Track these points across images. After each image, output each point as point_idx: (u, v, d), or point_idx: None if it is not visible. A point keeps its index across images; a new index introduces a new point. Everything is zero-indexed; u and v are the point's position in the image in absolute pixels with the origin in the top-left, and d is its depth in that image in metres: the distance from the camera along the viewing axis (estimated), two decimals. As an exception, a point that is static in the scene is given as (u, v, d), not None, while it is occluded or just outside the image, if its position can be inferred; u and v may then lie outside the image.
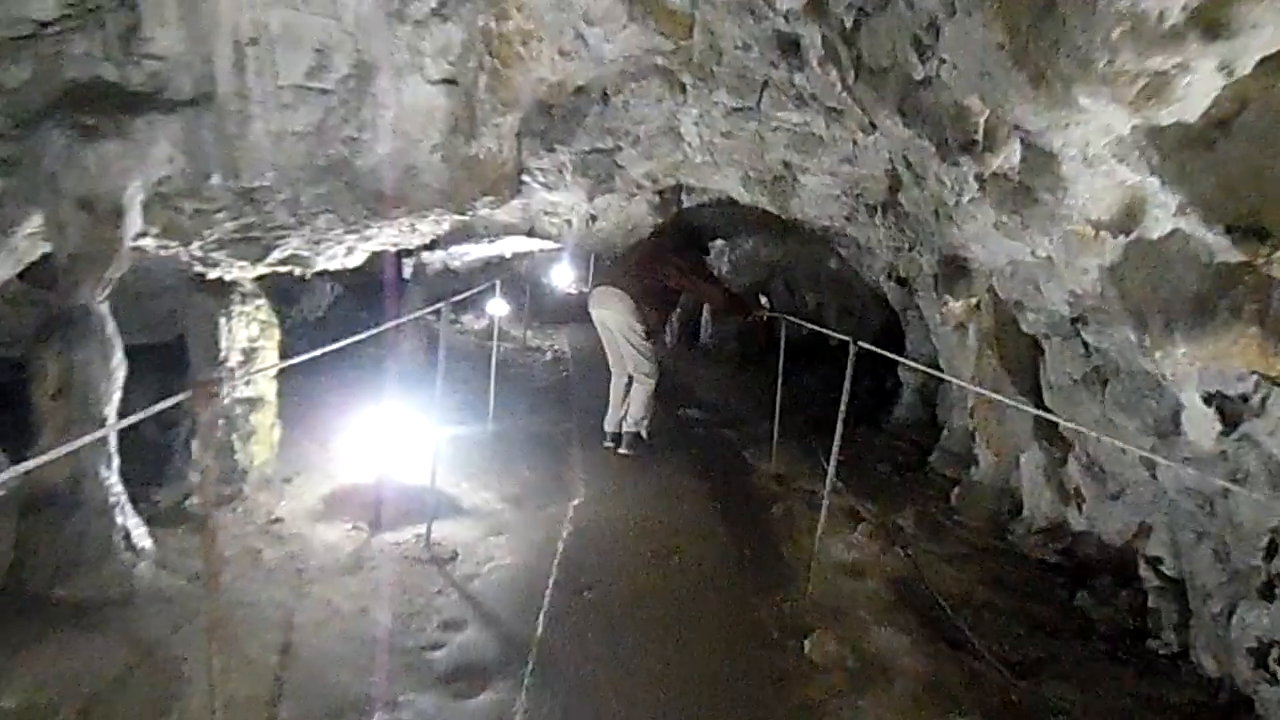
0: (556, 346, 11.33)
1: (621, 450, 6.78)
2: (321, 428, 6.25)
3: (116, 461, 3.69)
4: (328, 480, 5.44)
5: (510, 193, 3.54)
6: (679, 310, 7.16)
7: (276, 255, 4.18)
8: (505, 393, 8.22)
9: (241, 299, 5.25)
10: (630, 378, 6.90)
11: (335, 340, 3.52)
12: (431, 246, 9.92)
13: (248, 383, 5.24)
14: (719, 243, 10.27)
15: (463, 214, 3.54)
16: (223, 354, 5.23)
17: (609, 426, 6.99)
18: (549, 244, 12.05)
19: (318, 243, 4.18)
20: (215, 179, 3.44)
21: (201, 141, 3.36)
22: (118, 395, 3.62)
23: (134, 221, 3.56)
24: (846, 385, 4.28)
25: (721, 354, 11.07)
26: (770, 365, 10.83)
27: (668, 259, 6.82)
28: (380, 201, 3.40)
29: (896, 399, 8.65)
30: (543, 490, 5.76)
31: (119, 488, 3.66)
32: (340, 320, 10.09)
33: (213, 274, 4.69)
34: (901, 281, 6.92)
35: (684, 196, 6.90)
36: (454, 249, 10.54)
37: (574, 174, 3.85)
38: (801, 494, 6.15)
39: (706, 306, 9.85)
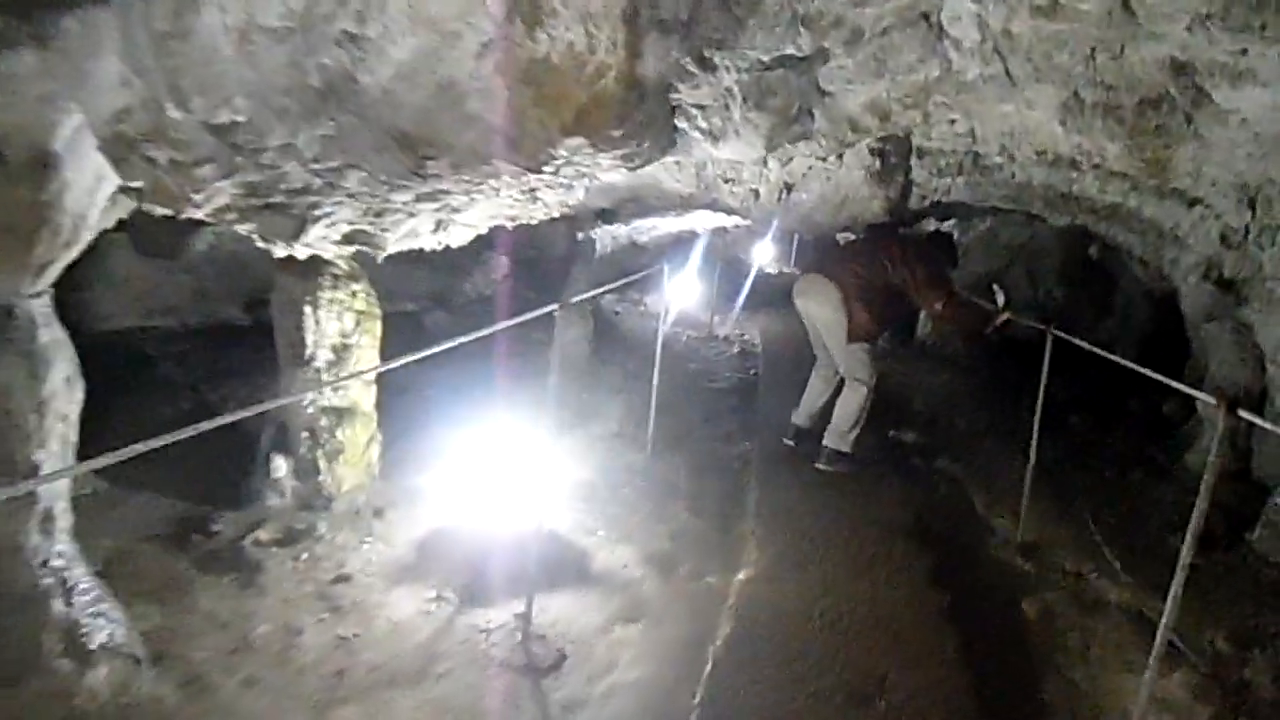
0: (747, 336, 9.67)
1: (819, 465, 5.21)
2: (446, 437, 4.99)
3: (66, 523, 2.52)
4: (430, 516, 4.14)
5: (624, 127, 1.94)
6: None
7: (321, 232, 2.84)
8: (677, 395, 6.71)
9: (334, 283, 4.03)
10: (839, 375, 5.31)
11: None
12: (608, 219, 8.56)
13: (336, 388, 4.03)
14: (949, 222, 8.23)
15: (536, 169, 2.03)
16: (308, 351, 4.05)
17: (796, 419, 5.49)
18: (744, 219, 10.40)
19: (378, 215, 2.80)
20: (170, 109, 2.11)
21: (137, 47, 2.03)
22: (58, 430, 2.42)
23: (82, 176, 2.32)
24: (1207, 482, 2.37)
25: (942, 354, 8.98)
26: (1003, 370, 8.64)
27: (891, 238, 5.12)
28: (407, 146, 1.96)
29: (1180, 432, 6.36)
30: (702, 547, 4.19)
31: (61, 560, 2.46)
32: (508, 298, 8.98)
33: (280, 251, 3.46)
34: (1224, 284, 4.75)
35: (915, 162, 5.07)
36: (637, 223, 9.15)
37: (745, 106, 2.21)
38: (1064, 580, 4.24)
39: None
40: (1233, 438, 5.70)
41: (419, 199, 2.72)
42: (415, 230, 3.05)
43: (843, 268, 5.07)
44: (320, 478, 4.05)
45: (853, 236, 8.08)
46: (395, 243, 3.10)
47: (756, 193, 4.08)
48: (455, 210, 2.97)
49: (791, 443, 5.50)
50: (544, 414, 3.38)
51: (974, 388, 7.84)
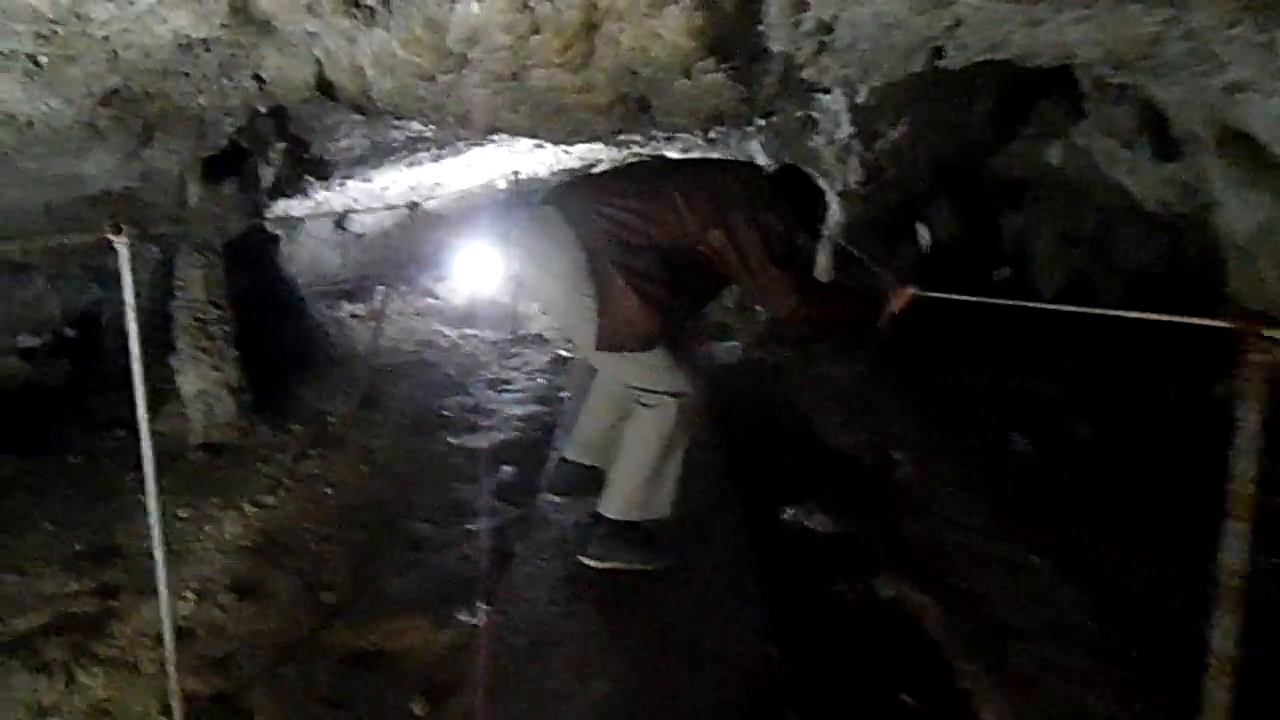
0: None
1: (588, 557, 2.38)
2: None
3: None
4: None
5: None
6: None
7: None
8: (383, 478, 3.48)
9: None
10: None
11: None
12: (321, 170, 5.14)
13: None
14: (843, 131, 5.17)
15: None
16: None
17: (566, 451, 2.82)
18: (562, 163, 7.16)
19: None
20: None
21: None
22: None
23: None
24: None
25: (840, 342, 5.63)
26: (940, 347, 5.26)
27: (709, 171, 2.42)
28: None
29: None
30: None
31: None
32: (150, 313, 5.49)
33: None
34: None
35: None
36: (398, 177, 5.77)
37: None
38: None
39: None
40: None
41: None
42: None
43: (596, 204, 2.06)
44: None
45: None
46: None
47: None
48: None
49: (556, 496, 2.84)
50: None
51: (904, 383, 4.76)
